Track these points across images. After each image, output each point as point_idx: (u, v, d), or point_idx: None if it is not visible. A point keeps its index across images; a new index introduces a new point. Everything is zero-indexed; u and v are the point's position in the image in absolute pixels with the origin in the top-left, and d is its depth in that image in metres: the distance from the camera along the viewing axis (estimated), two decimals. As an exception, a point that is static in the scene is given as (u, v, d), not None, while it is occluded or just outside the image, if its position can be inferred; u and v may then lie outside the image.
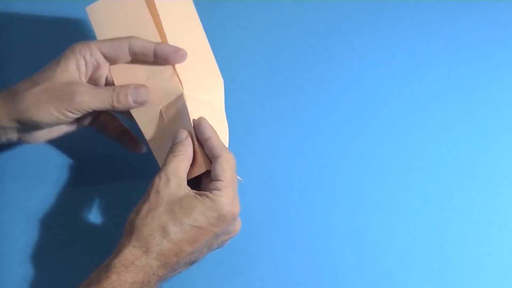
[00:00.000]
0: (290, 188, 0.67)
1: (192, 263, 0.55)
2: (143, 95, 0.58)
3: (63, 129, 0.60)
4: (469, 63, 0.74)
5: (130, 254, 0.51)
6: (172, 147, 0.56)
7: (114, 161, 0.67)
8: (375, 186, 0.67)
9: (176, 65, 0.59)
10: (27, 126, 0.57)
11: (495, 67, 0.73)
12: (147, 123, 0.60)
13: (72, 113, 0.56)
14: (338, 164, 0.68)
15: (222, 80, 0.62)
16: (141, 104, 0.59)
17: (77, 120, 0.60)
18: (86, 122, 0.61)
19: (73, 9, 0.72)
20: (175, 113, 0.59)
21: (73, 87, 0.56)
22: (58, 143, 0.66)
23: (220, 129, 0.58)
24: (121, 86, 0.58)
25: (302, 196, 0.67)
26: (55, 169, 0.66)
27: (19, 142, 0.60)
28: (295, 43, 0.74)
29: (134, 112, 0.60)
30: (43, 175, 0.66)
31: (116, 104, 0.57)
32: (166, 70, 0.59)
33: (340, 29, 0.75)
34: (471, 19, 0.76)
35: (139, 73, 0.60)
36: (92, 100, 0.56)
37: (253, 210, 0.66)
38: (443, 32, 0.75)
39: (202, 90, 0.60)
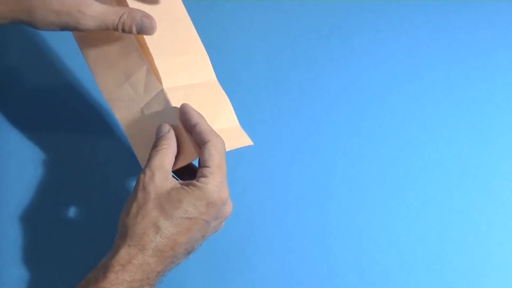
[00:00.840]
0: (290, 188, 0.67)
1: (189, 253, 0.55)
2: (147, 27, 0.57)
3: None
4: (469, 63, 0.74)
5: (127, 253, 0.51)
6: (155, 142, 0.55)
7: (112, 159, 0.67)
8: (375, 186, 0.67)
9: (154, 57, 0.59)
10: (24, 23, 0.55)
11: (495, 67, 0.74)
12: (130, 124, 0.59)
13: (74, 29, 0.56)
14: (338, 164, 0.68)
15: (206, 55, 0.61)
16: (146, 34, 0.58)
17: None
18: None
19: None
20: (157, 109, 0.58)
21: (82, 7, 0.55)
22: (54, 143, 0.66)
23: (218, 103, 0.58)
24: (128, 15, 0.56)
25: (302, 196, 0.67)
26: (52, 169, 0.66)
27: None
28: (295, 43, 0.74)
29: (116, 112, 0.60)
30: (40, 175, 0.66)
31: (119, 30, 0.57)
32: (142, 65, 0.59)
33: (340, 29, 0.75)
34: (471, 19, 0.76)
35: (118, 74, 0.60)
36: (97, 24, 0.56)
37: (253, 210, 0.66)
38: (443, 32, 0.75)
39: (186, 74, 0.60)
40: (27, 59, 0.70)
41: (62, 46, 0.72)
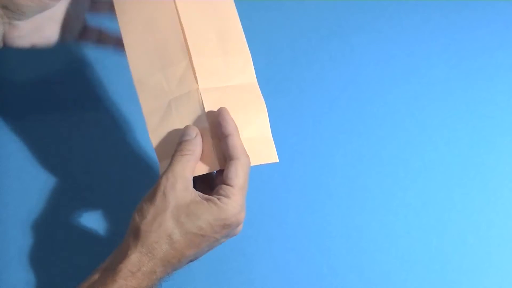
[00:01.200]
0: (290, 188, 0.67)
1: (191, 261, 0.55)
2: None
3: (46, 32, 0.59)
4: (469, 63, 0.74)
5: (137, 259, 0.50)
6: (180, 145, 0.53)
7: (111, 160, 0.67)
8: (375, 186, 0.67)
9: (193, 55, 0.57)
10: (10, 12, 0.55)
11: (495, 67, 0.73)
12: (152, 111, 0.57)
13: None
14: (338, 163, 0.68)
15: (249, 56, 0.59)
16: None
17: (62, 31, 0.60)
18: (75, 29, 0.61)
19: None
20: (187, 107, 0.56)
21: None
22: (54, 144, 0.66)
23: (253, 108, 0.57)
24: None
25: (302, 196, 0.67)
26: (52, 169, 0.66)
27: (4, 45, 0.58)
28: (295, 43, 0.74)
29: (141, 97, 0.58)
30: (40, 175, 0.66)
31: None
32: (182, 60, 0.58)
33: (340, 29, 0.75)
34: (471, 19, 0.76)
35: (155, 61, 0.58)
36: None
37: (253, 210, 0.66)
38: (443, 32, 0.75)
39: (225, 75, 0.58)
40: (27, 59, 0.70)
41: (64, 46, 0.72)
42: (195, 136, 0.54)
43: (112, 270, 0.50)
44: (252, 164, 0.54)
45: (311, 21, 0.75)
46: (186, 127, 0.54)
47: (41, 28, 0.59)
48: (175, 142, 0.55)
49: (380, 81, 0.72)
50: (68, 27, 0.60)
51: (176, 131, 0.55)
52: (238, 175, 0.52)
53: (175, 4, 0.59)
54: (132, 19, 0.59)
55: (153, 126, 0.57)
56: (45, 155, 0.66)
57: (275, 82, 0.72)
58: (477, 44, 0.75)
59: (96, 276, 0.51)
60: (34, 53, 0.70)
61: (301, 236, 0.65)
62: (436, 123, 0.71)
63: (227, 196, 0.52)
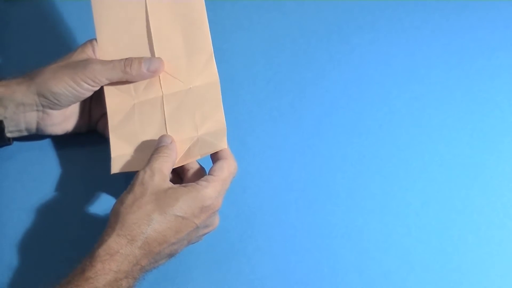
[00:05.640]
0: (290, 188, 0.67)
1: (172, 255, 0.56)
2: (156, 63, 0.60)
3: (78, 122, 0.63)
4: (469, 63, 0.74)
5: (115, 242, 0.51)
6: (157, 149, 0.57)
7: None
8: (375, 186, 0.67)
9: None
10: (46, 100, 0.59)
11: (495, 68, 0.73)
12: (115, 111, 0.61)
13: (86, 82, 0.58)
14: (338, 164, 0.68)
15: (212, 55, 0.61)
16: (153, 73, 0.60)
17: (88, 117, 0.64)
18: (96, 116, 0.64)
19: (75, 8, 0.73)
20: (149, 112, 0.60)
21: (87, 60, 0.59)
22: (55, 143, 0.67)
23: (210, 106, 0.60)
24: (134, 57, 0.60)
25: (302, 196, 0.67)
26: (52, 169, 0.66)
27: (37, 132, 0.62)
28: (295, 43, 0.74)
29: (107, 96, 0.61)
30: (40, 176, 0.66)
31: (129, 70, 0.59)
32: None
33: (340, 29, 0.75)
34: (471, 20, 0.76)
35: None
36: (105, 67, 0.59)
37: (253, 210, 0.66)
38: (443, 32, 0.75)
39: (187, 77, 0.61)
40: (27, 60, 0.70)
41: (64, 46, 0.72)
42: (171, 142, 0.58)
43: (90, 257, 0.51)
44: (203, 155, 0.58)
45: (311, 21, 0.75)
46: (162, 136, 0.58)
47: (72, 117, 0.63)
48: (132, 143, 0.60)
49: (380, 81, 0.72)
50: (94, 118, 0.65)
51: (135, 133, 0.60)
52: (222, 169, 0.56)
53: (146, 7, 0.61)
54: (107, 21, 0.62)
55: (114, 124, 0.61)
56: (45, 155, 0.66)
57: (275, 82, 0.72)
58: (477, 44, 0.75)
59: (77, 267, 0.52)
60: (34, 57, 0.71)
61: (301, 236, 0.65)
62: (436, 123, 0.71)
63: (206, 181, 0.55)
